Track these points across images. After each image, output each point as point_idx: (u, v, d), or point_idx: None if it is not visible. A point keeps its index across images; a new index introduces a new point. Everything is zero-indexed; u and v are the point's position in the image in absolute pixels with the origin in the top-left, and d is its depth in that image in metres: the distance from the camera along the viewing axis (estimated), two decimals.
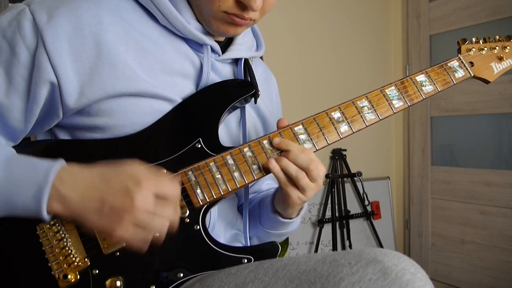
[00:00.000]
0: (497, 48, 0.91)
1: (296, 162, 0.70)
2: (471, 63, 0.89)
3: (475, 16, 2.43)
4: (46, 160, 0.63)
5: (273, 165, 0.70)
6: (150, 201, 0.60)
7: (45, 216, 0.61)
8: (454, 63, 0.88)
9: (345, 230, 2.51)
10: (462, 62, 0.88)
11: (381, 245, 2.59)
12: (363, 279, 0.53)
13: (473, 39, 0.91)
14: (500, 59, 0.91)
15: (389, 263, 0.55)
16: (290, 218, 0.81)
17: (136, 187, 0.59)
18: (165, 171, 0.67)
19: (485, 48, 0.91)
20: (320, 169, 0.72)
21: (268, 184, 0.95)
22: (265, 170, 0.73)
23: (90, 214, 0.60)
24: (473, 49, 0.90)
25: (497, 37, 0.93)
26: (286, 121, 0.76)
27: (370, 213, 2.60)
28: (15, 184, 0.61)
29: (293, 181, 0.71)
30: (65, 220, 0.65)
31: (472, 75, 0.89)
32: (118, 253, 0.66)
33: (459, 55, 0.90)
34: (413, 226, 2.79)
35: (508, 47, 0.92)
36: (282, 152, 0.73)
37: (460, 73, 0.87)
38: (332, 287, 0.54)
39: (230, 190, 0.71)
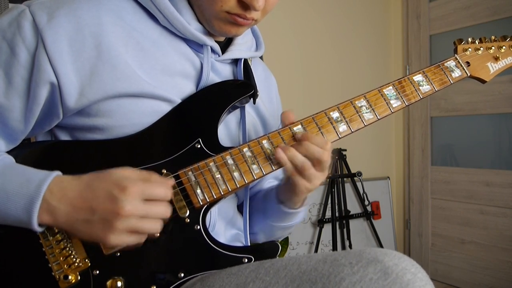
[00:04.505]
0: (493, 48, 0.92)
1: (308, 152, 0.71)
2: (468, 63, 0.90)
3: (475, 16, 2.43)
4: (41, 171, 0.64)
5: (281, 155, 0.71)
6: (138, 206, 0.60)
7: (37, 228, 0.62)
8: (451, 63, 0.88)
9: (345, 230, 2.51)
10: (459, 62, 0.89)
11: (381, 245, 2.59)
12: (364, 278, 0.54)
13: (469, 39, 0.92)
14: (496, 59, 0.92)
15: (389, 263, 0.55)
16: (295, 209, 0.82)
17: (121, 194, 0.59)
18: (157, 173, 0.66)
19: (481, 48, 0.91)
20: (329, 160, 0.74)
21: (270, 182, 0.95)
22: (273, 163, 0.73)
23: (80, 225, 0.61)
24: (470, 49, 0.91)
25: (493, 37, 0.93)
26: (292, 115, 0.76)
27: (370, 213, 2.60)
28: (8, 195, 0.61)
29: (299, 171, 0.72)
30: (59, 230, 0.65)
31: (469, 74, 0.89)
32: (118, 254, 0.66)
33: (455, 55, 0.90)
34: (413, 226, 2.79)
35: (503, 47, 0.92)
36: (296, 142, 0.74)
37: (456, 73, 0.88)
38: (333, 287, 0.54)
39: (230, 190, 0.71)
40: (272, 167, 0.73)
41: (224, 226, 0.83)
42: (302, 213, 0.87)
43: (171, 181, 0.67)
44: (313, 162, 0.72)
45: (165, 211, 0.63)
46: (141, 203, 0.61)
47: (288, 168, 0.72)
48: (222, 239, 0.80)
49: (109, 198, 0.60)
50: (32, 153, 0.72)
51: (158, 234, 0.65)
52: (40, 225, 0.62)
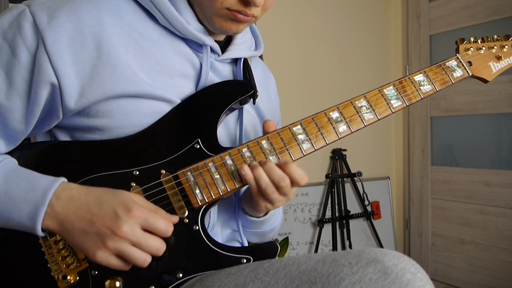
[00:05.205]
0: (495, 47, 0.91)
1: (269, 176, 0.69)
2: (469, 63, 0.89)
3: (475, 16, 2.43)
4: (47, 177, 0.64)
5: (246, 171, 0.69)
6: (135, 231, 0.60)
7: (40, 233, 0.62)
8: (452, 63, 0.88)
9: (345, 230, 2.51)
10: (460, 62, 0.88)
11: (381, 245, 2.59)
12: (364, 279, 0.53)
13: (471, 39, 0.91)
14: (498, 58, 0.91)
15: (389, 263, 0.55)
16: (257, 217, 0.81)
17: (124, 214, 0.60)
18: (164, 212, 0.66)
19: (483, 48, 0.91)
20: (292, 188, 0.71)
21: None
22: (236, 180, 0.71)
23: (76, 233, 0.61)
24: (471, 49, 0.90)
25: (495, 36, 0.93)
26: (274, 125, 0.75)
27: (370, 213, 2.60)
28: (12, 201, 0.62)
29: (262, 193, 0.70)
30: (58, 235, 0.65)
31: (471, 74, 0.88)
32: None
33: (457, 54, 0.90)
34: (413, 226, 2.79)
35: (506, 46, 0.92)
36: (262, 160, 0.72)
37: (458, 73, 0.87)
38: (333, 287, 0.54)
39: (229, 190, 0.71)
40: (235, 184, 0.71)
41: (221, 226, 0.83)
42: (276, 218, 0.85)
43: (175, 218, 0.67)
44: (275, 186, 0.70)
45: (158, 247, 0.63)
46: (139, 229, 0.61)
47: (252, 187, 0.70)
48: (219, 239, 0.80)
49: (111, 215, 0.60)
50: (33, 154, 0.71)
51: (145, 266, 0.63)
52: (42, 230, 0.62)
